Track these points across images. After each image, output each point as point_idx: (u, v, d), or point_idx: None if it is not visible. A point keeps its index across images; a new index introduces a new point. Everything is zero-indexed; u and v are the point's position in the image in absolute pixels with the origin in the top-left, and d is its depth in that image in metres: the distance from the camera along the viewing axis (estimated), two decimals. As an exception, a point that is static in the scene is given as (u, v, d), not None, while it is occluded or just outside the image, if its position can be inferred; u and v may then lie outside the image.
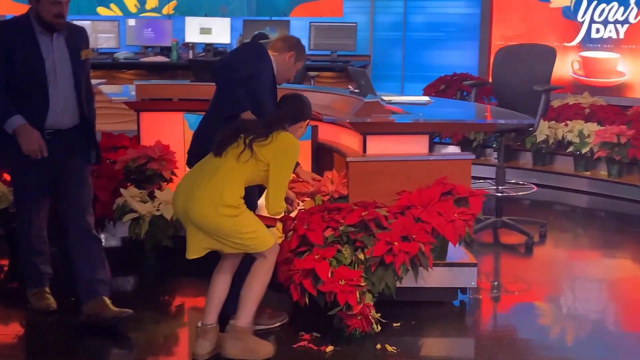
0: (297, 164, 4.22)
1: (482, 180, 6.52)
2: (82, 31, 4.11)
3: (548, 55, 5.63)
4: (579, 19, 7.88)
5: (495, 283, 4.92)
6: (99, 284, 4.01)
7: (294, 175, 4.29)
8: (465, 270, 4.33)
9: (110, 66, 8.59)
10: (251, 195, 3.90)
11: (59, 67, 3.90)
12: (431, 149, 7.73)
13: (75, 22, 4.21)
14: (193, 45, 8.75)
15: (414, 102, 5.05)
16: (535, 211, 6.56)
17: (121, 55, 8.72)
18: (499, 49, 6.13)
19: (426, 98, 5.13)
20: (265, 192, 3.73)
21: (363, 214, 4.03)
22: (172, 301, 4.69)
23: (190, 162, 4.12)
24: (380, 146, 4.45)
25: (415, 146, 4.49)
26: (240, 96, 3.92)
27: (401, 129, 4.42)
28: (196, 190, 3.62)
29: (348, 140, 4.67)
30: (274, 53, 4.12)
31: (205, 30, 8.79)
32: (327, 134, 4.82)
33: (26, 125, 3.84)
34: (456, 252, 4.41)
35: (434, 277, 4.23)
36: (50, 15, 3.84)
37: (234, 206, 3.60)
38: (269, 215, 3.89)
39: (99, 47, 8.79)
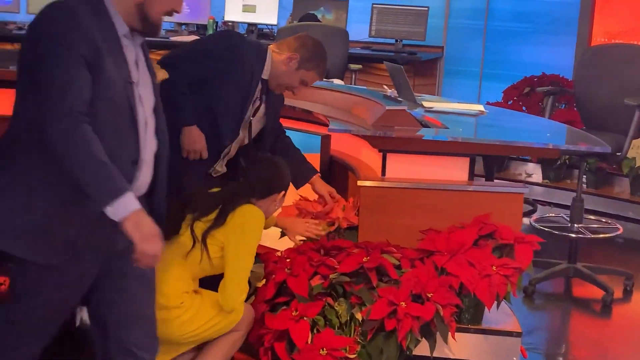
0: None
1: (554, 214, 5.70)
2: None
3: (648, 60, 4.85)
4: None
5: (558, 349, 4.28)
6: None
7: (308, 184, 3.78)
8: (506, 340, 3.58)
9: (137, 44, 8.07)
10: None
11: (143, 94, 2.59)
12: (505, 166, 7.19)
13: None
14: (233, 25, 8.21)
15: (463, 112, 4.30)
16: (628, 255, 5.76)
17: (150, 32, 8.21)
18: (585, 49, 5.33)
19: (480, 107, 4.36)
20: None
21: (364, 259, 3.32)
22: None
23: None
24: (405, 168, 3.71)
25: (451, 171, 3.72)
26: (184, 104, 3.38)
27: (429, 147, 3.66)
28: None
29: (369, 157, 3.96)
30: (274, 50, 3.66)
31: (248, 8, 8.22)
32: (345, 146, 4.14)
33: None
34: (498, 313, 3.65)
35: (464, 347, 3.51)
36: (160, 12, 2.57)
37: (175, 307, 3.03)
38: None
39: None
